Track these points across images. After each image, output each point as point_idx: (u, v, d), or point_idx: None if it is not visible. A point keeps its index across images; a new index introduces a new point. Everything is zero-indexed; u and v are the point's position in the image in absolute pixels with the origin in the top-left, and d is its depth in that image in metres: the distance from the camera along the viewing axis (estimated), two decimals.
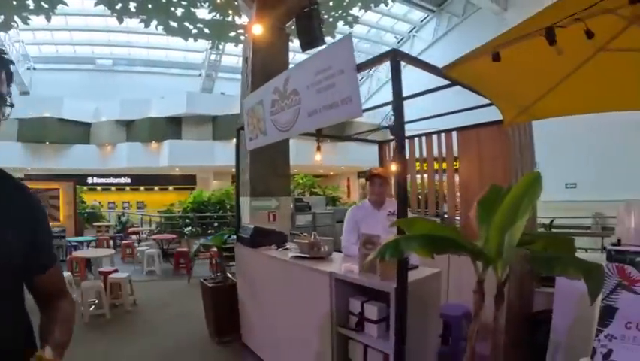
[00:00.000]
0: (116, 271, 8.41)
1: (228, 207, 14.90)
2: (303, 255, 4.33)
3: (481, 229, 2.40)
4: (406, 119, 3.14)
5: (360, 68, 3.34)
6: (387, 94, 3.67)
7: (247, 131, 5.50)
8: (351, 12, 14.27)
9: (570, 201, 15.18)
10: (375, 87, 30.43)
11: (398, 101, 3.07)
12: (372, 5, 15.10)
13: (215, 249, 6.89)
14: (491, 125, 5.02)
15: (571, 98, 3.63)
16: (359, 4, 14.26)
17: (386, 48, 25.25)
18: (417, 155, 6.56)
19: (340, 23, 14.45)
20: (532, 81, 3.35)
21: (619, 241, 2.18)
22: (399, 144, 3.04)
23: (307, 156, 13.30)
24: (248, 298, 5.63)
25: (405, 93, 3.23)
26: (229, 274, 6.38)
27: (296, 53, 17.37)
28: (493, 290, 2.36)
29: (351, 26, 14.97)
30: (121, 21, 12.80)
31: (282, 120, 4.44)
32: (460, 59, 2.74)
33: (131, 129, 27.72)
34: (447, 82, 3.97)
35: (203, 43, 23.59)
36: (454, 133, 5.90)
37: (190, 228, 14.20)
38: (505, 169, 4.84)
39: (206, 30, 13.47)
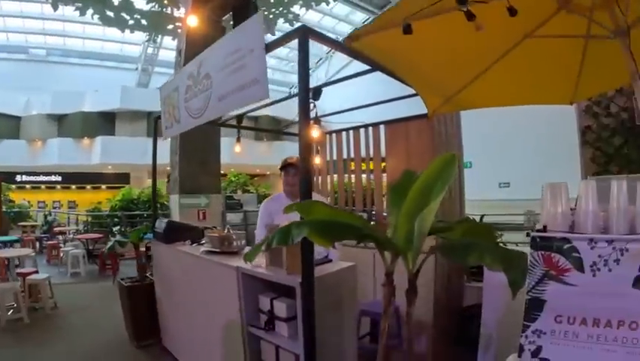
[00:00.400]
0: (35, 272, 7.92)
1: (159, 205, 14.30)
2: (214, 250, 4.01)
3: (391, 216, 2.12)
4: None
5: (270, 47, 3.15)
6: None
7: (163, 120, 5.22)
8: (292, 10, 14.12)
9: (504, 200, 15.45)
10: (325, 79, 30.13)
11: (304, 80, 2.81)
12: (313, 4, 15.03)
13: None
14: (420, 118, 4.83)
15: (497, 88, 3.52)
16: (300, 2, 14.21)
17: (327, 49, 25.29)
18: (344, 150, 6.40)
19: (281, 21, 14.27)
20: (456, 67, 3.18)
21: (545, 227, 1.93)
22: (303, 118, 2.75)
23: (244, 156, 13.02)
24: (165, 298, 5.30)
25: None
26: (148, 274, 5.98)
27: None
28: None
29: (291, 24, 14.68)
30: (55, 8, 12.34)
31: (194, 107, 4.22)
32: (363, 27, 2.50)
33: (63, 124, 26.53)
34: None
35: (141, 36, 22.80)
36: (382, 127, 5.76)
37: (119, 227, 13.56)
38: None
39: (144, 21, 13.09)
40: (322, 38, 3.27)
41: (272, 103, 5.69)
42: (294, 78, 28.26)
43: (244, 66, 3.24)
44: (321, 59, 28.72)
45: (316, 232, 1.93)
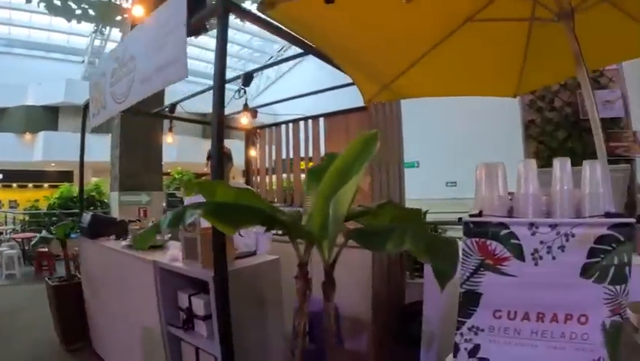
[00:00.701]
0: None
1: (99, 203, 13.92)
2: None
3: (308, 202, 1.86)
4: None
5: (192, 30, 2.94)
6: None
7: (91, 107, 4.94)
8: (243, 5, 13.70)
9: (452, 198, 15.56)
10: (275, 77, 29.80)
11: (222, 58, 2.59)
12: None
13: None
14: (361, 110, 4.74)
15: (438, 76, 3.40)
16: None
17: (278, 47, 25.30)
18: (283, 145, 6.26)
19: (232, 17, 13.75)
20: (392, 50, 3.00)
21: (480, 213, 1.71)
22: (217, 101, 2.51)
23: (190, 154, 12.72)
24: (92, 297, 4.91)
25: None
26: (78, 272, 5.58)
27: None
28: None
29: (242, 20, 14.29)
30: None
31: (118, 91, 3.95)
32: None
33: (4, 118, 25.11)
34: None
35: (88, 27, 22.01)
36: (322, 120, 5.65)
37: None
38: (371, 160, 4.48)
39: (91, 11, 12.53)
40: (244, 13, 3.11)
41: (197, 94, 5.62)
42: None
43: (165, 45, 3.05)
44: (271, 57, 28.40)
45: (214, 215, 1.65)
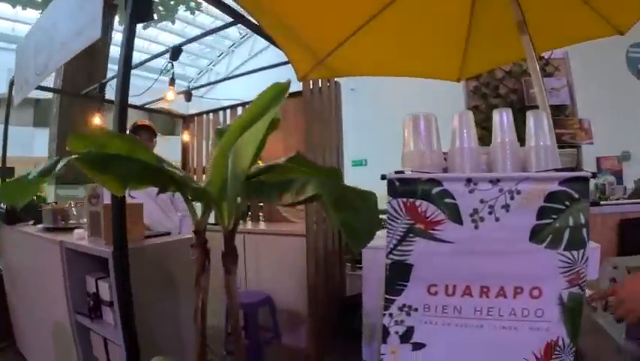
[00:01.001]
0: None
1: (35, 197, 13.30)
2: (49, 226, 3.42)
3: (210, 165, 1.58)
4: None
5: None
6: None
7: (16, 84, 4.63)
8: None
9: None
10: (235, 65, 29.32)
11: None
12: None
13: None
14: (298, 96, 4.53)
15: (375, 54, 3.36)
16: None
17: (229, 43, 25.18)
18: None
19: (182, 8, 13.69)
20: (325, 23, 2.91)
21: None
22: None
23: None
24: (12, 290, 4.50)
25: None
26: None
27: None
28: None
29: (192, 13, 14.43)
30: None
31: (40, 62, 3.66)
32: None
33: None
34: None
35: (34, 14, 21.26)
36: None
37: None
38: (308, 143, 4.43)
39: None
40: None
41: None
42: (193, 72, 27.82)
43: (83, 7, 2.83)
44: (222, 53, 28.06)
45: (95, 166, 1.32)
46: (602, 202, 5.88)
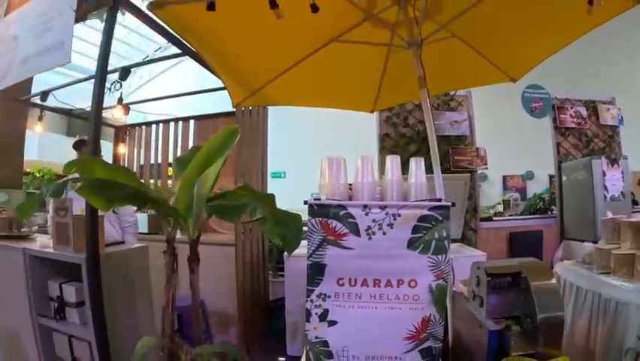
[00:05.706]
0: None
1: None
2: (4, 234, 3.57)
3: (175, 186, 2.05)
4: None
5: (79, 17, 2.93)
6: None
7: None
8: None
9: None
10: (149, 77, 28.67)
11: (106, 49, 2.74)
12: None
13: None
14: (230, 115, 4.94)
15: (304, 88, 3.74)
16: None
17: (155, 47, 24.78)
18: (152, 145, 6.24)
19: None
20: (263, 59, 3.23)
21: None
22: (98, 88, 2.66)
23: (54, 152, 11.93)
24: None
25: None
26: None
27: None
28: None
29: (122, 13, 13.76)
30: None
31: None
32: None
33: None
34: None
35: None
36: (192, 122, 5.78)
37: None
38: (235, 166, 4.77)
39: None
40: (133, 9, 3.20)
41: (73, 83, 5.70)
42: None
43: (51, 28, 2.99)
44: (147, 56, 27.39)
45: (91, 190, 1.75)
46: (494, 218, 6.77)
